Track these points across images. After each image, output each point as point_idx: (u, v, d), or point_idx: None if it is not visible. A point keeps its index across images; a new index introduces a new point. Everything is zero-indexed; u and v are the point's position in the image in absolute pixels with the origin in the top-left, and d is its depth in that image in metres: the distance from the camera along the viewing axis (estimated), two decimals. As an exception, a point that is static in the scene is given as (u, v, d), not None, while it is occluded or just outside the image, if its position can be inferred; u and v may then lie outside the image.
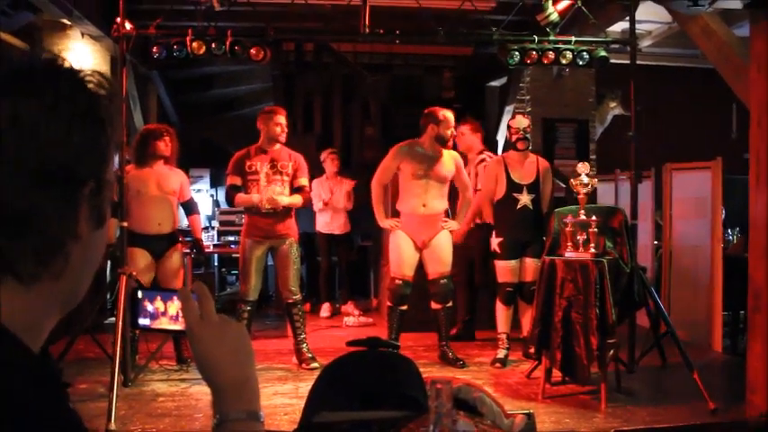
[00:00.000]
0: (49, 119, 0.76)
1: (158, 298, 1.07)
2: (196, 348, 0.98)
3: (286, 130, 5.31)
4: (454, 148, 5.65)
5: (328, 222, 7.54)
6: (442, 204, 5.40)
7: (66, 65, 0.82)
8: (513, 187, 5.37)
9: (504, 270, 5.38)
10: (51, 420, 0.74)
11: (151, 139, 5.18)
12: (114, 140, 0.84)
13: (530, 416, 2.06)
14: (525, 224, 5.34)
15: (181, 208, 5.53)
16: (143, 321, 1.07)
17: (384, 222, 5.47)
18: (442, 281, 5.34)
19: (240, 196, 5.27)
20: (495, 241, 5.43)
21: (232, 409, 0.96)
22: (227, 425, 0.95)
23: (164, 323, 1.07)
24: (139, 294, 1.07)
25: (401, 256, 5.34)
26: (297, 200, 5.28)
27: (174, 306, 1.06)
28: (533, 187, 5.37)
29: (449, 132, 5.30)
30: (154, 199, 5.15)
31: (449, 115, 5.34)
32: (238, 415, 0.96)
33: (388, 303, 5.43)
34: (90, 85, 0.82)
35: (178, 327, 1.06)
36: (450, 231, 5.41)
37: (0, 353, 0.75)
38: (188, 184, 5.53)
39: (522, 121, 5.44)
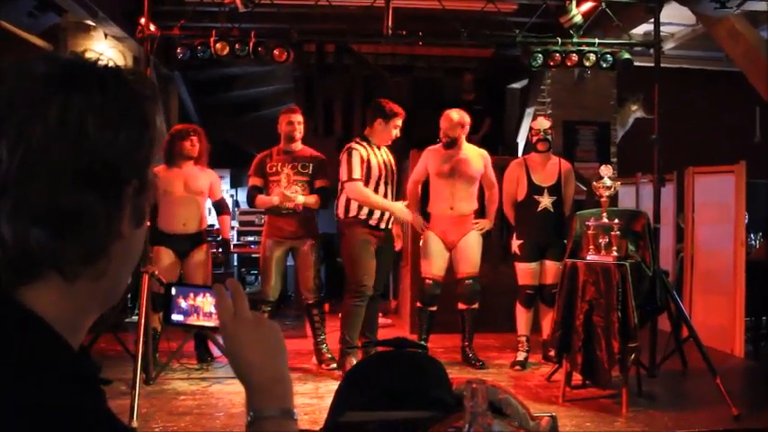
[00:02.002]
0: (96, 118, 0.77)
1: (191, 294, 1.08)
2: (230, 346, 0.98)
3: (299, 127, 5.31)
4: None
5: None
6: (470, 206, 5.39)
7: (111, 64, 0.83)
8: (534, 189, 5.35)
9: (525, 272, 5.37)
10: (89, 418, 0.74)
11: (177, 139, 5.22)
12: (156, 140, 0.85)
13: (554, 418, 2.05)
14: (546, 226, 5.32)
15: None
16: (176, 317, 1.08)
17: (415, 218, 5.44)
18: (467, 281, 5.34)
19: (260, 197, 5.29)
20: (515, 243, 5.42)
21: (265, 406, 0.96)
22: (261, 422, 0.95)
23: (197, 320, 1.08)
24: (173, 291, 1.07)
25: (431, 256, 5.39)
26: (312, 200, 5.28)
27: (208, 303, 1.07)
28: (555, 189, 5.35)
29: (452, 132, 5.30)
30: (180, 199, 5.19)
31: (449, 114, 5.36)
32: (271, 412, 0.96)
33: (418, 304, 5.46)
34: (134, 85, 0.83)
35: (211, 323, 1.07)
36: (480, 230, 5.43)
37: (41, 350, 0.75)
38: (219, 183, 5.55)
39: (544, 123, 5.42)
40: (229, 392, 4.53)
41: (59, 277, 0.78)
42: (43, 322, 0.76)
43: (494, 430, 1.17)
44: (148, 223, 4.79)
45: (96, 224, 0.78)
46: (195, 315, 1.08)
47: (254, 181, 5.34)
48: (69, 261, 0.77)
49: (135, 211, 0.83)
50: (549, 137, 5.36)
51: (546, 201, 5.32)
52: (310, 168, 5.32)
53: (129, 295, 6.38)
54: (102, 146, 0.77)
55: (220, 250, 5.88)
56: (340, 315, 5.09)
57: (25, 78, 0.77)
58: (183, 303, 1.07)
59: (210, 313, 1.07)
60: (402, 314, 7.30)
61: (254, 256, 8.05)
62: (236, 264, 8.73)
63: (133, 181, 0.81)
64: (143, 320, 4.47)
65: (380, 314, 7.16)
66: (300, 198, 5.21)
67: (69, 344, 0.78)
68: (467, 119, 5.40)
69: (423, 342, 5.41)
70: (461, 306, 5.41)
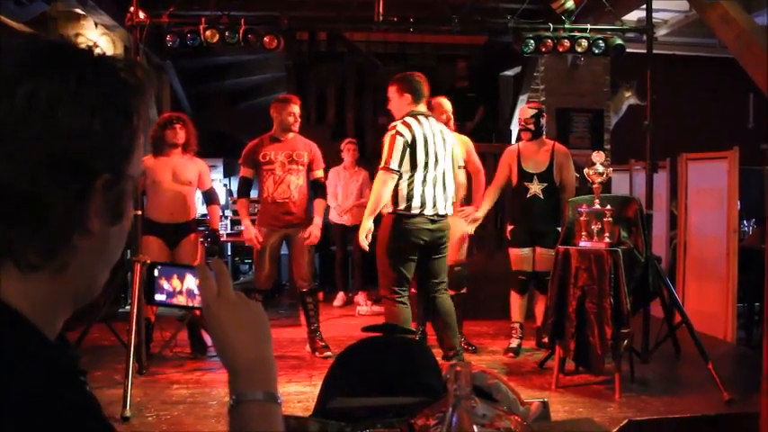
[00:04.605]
0: (69, 104, 0.73)
1: (175, 276, 1.06)
2: (212, 326, 0.96)
3: (299, 119, 5.30)
4: None
5: (340, 213, 7.55)
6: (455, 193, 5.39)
7: (97, 50, 0.79)
8: (524, 176, 5.35)
9: (517, 257, 5.38)
10: (66, 409, 0.72)
11: (162, 128, 5.18)
12: (141, 132, 0.81)
13: (545, 404, 2.05)
14: (535, 213, 5.31)
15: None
16: (159, 297, 1.06)
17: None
18: (456, 268, 5.36)
19: (242, 206, 5.34)
20: (508, 228, 5.47)
21: (248, 389, 0.93)
22: (244, 406, 0.93)
23: (180, 300, 1.06)
24: (156, 272, 1.06)
25: None
26: (321, 207, 5.39)
27: (191, 283, 1.05)
28: (544, 176, 5.33)
29: (443, 118, 5.29)
30: (168, 188, 5.16)
31: (440, 101, 5.33)
32: (255, 396, 0.93)
33: (413, 290, 5.45)
34: (120, 73, 0.79)
35: (195, 304, 1.05)
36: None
37: (14, 340, 0.73)
38: (208, 173, 5.50)
39: (526, 112, 5.41)
40: (223, 381, 4.52)
41: (13, 266, 0.74)
42: (15, 311, 0.74)
43: (478, 413, 1.16)
44: (140, 212, 4.73)
45: (52, 215, 0.74)
46: (178, 296, 1.06)
47: (245, 172, 5.30)
48: (21, 250, 0.74)
49: (107, 206, 0.78)
50: (529, 127, 5.35)
51: (535, 187, 5.31)
52: (305, 157, 5.30)
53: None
54: (72, 134, 0.73)
55: (210, 240, 5.84)
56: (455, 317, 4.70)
57: (1, 57, 0.74)
58: (165, 285, 1.06)
59: (194, 294, 1.05)
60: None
61: (247, 245, 8.03)
62: (229, 253, 8.71)
63: (104, 174, 0.77)
64: (135, 310, 4.45)
65: (372, 302, 7.20)
66: (316, 230, 5.27)
67: (41, 331, 0.76)
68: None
69: (421, 328, 5.42)
70: (450, 292, 5.41)
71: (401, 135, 4.28)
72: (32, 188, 0.72)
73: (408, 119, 4.37)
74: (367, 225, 4.29)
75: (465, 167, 5.45)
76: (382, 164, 4.26)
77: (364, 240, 4.32)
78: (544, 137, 5.53)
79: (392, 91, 4.54)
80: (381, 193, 4.27)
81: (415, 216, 4.33)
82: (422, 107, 4.50)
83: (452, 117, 5.34)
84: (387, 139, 4.30)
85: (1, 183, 0.72)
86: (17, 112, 0.72)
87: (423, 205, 4.35)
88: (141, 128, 0.80)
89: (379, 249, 4.41)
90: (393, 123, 4.39)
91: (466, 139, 5.54)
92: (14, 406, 0.68)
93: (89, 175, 0.76)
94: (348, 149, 7.49)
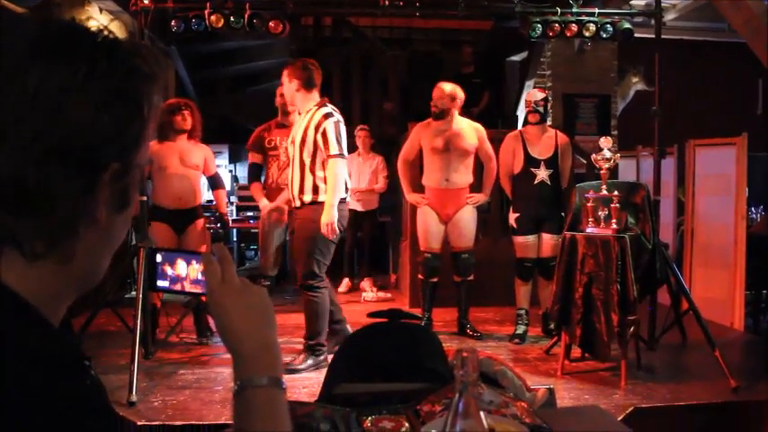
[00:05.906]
0: (78, 95, 0.71)
1: (177, 262, 1.05)
2: (217, 312, 0.96)
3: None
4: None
5: (353, 199, 7.53)
6: (465, 178, 5.38)
7: (110, 36, 0.77)
8: (531, 162, 5.31)
9: (522, 245, 5.35)
10: (62, 406, 0.71)
11: (169, 113, 5.15)
12: (152, 121, 0.79)
13: (551, 390, 2.04)
14: (543, 199, 5.29)
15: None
16: (162, 284, 1.05)
17: (410, 197, 5.54)
18: (463, 255, 5.37)
19: (255, 189, 5.31)
20: (512, 216, 5.41)
21: (253, 375, 0.93)
22: (248, 391, 0.92)
23: (183, 286, 1.05)
24: (158, 258, 1.05)
25: (427, 229, 5.39)
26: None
27: (195, 269, 1.04)
28: (551, 162, 5.31)
29: (441, 103, 5.26)
30: (175, 174, 5.14)
31: (441, 86, 5.32)
32: (260, 381, 0.93)
33: (420, 276, 5.48)
34: (132, 60, 0.77)
35: (198, 291, 1.04)
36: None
37: (16, 326, 0.72)
38: (213, 158, 5.49)
39: (536, 95, 5.37)
40: (228, 366, 4.49)
41: (18, 254, 0.73)
42: (20, 298, 0.73)
43: (485, 399, 1.15)
44: (145, 198, 4.72)
45: (59, 206, 0.72)
46: (182, 282, 1.05)
47: (254, 157, 5.32)
48: (27, 239, 0.73)
49: (114, 195, 0.77)
50: (539, 109, 5.30)
51: (543, 173, 5.28)
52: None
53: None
54: (80, 124, 0.72)
55: (219, 225, 5.84)
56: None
57: (10, 41, 0.72)
58: (168, 271, 1.05)
59: (198, 280, 1.04)
60: (402, 288, 7.31)
61: (253, 231, 8.04)
62: (235, 239, 8.72)
63: (112, 165, 0.75)
64: (141, 295, 4.45)
65: (377, 288, 7.21)
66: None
67: (48, 321, 0.75)
68: (460, 93, 5.34)
69: (427, 315, 5.44)
70: (456, 278, 5.45)
71: (342, 123, 4.45)
72: (39, 181, 0.71)
73: (333, 107, 4.51)
74: (335, 213, 4.33)
75: (476, 155, 5.42)
76: (334, 151, 4.35)
77: (336, 230, 4.35)
78: (547, 123, 5.50)
79: (284, 76, 4.62)
80: (342, 180, 4.40)
81: (344, 202, 4.48)
82: (315, 95, 4.55)
83: (441, 105, 5.27)
84: (330, 127, 4.37)
85: (7, 176, 0.70)
86: (24, 103, 0.70)
87: (347, 192, 4.52)
88: (151, 116, 0.79)
89: (309, 236, 4.41)
90: (324, 111, 4.44)
91: (478, 125, 5.50)
92: (15, 405, 0.67)
93: (97, 168, 0.74)
94: (360, 136, 7.47)
